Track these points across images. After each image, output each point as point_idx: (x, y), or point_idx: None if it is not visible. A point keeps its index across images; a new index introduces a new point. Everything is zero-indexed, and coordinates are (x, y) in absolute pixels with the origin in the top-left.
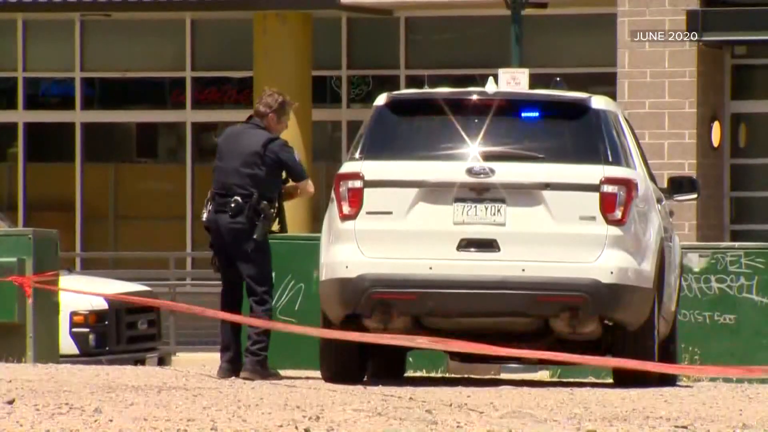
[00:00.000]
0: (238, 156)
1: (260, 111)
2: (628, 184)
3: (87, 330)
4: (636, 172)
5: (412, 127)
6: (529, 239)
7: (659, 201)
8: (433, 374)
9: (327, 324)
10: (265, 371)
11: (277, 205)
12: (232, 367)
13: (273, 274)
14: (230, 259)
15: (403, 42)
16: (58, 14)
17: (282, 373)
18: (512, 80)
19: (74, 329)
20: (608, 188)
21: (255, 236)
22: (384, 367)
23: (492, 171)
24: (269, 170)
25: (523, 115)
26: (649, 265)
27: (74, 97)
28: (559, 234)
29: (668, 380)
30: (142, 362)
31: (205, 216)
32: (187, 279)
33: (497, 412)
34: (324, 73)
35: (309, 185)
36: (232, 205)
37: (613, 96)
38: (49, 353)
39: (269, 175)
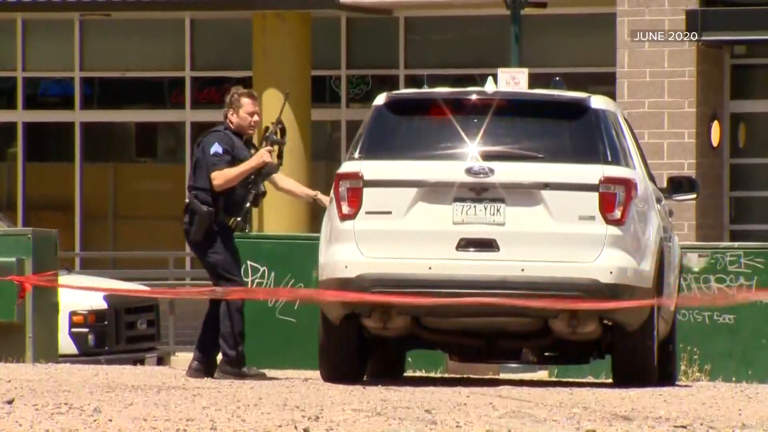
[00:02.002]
0: None
1: (224, 114)
2: (628, 184)
3: (86, 330)
4: (635, 172)
5: (411, 127)
6: (529, 239)
7: (658, 201)
8: (432, 374)
9: (326, 324)
10: (236, 371)
11: (219, 201)
12: (202, 368)
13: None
14: None
15: (403, 42)
16: (57, 14)
17: (281, 373)
18: (511, 80)
19: (73, 329)
20: (607, 188)
21: (190, 235)
22: (383, 367)
23: (491, 171)
24: (198, 163)
25: (522, 115)
26: (648, 265)
27: (73, 97)
28: (558, 234)
29: (667, 380)
30: (142, 362)
31: None
32: (186, 279)
33: (496, 412)
34: (323, 73)
35: (213, 178)
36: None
37: (612, 96)
38: (48, 353)
39: (199, 169)
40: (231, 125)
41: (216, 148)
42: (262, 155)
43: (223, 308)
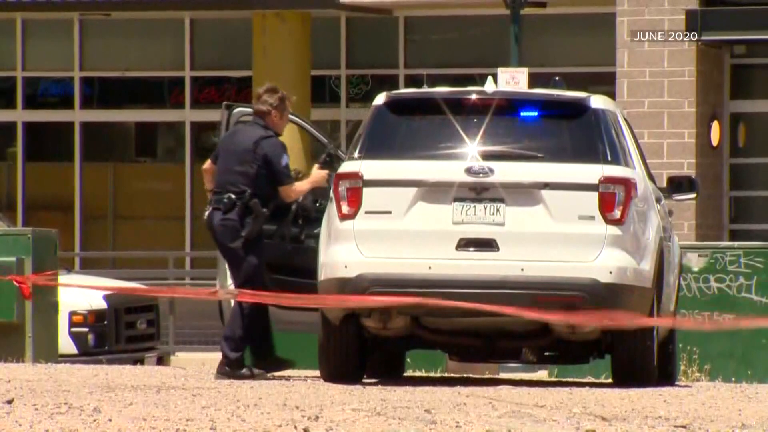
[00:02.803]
0: (232, 154)
1: (262, 110)
2: (627, 184)
3: (86, 330)
4: (635, 172)
5: (411, 127)
6: (528, 239)
7: (658, 200)
8: (432, 374)
9: (326, 324)
10: (233, 372)
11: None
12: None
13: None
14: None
15: (402, 41)
16: (57, 14)
17: (281, 372)
18: (511, 80)
19: (73, 329)
20: (607, 188)
21: (243, 234)
22: (383, 367)
23: (491, 170)
24: (260, 168)
25: (522, 114)
26: (648, 265)
27: (73, 97)
28: (558, 233)
29: (667, 380)
30: (141, 362)
31: (205, 215)
32: (186, 279)
33: (496, 412)
34: (323, 73)
35: (288, 191)
36: (225, 201)
37: (612, 95)
38: (48, 353)
39: (261, 172)
40: (271, 125)
41: (285, 159)
42: (324, 177)
43: (235, 310)
